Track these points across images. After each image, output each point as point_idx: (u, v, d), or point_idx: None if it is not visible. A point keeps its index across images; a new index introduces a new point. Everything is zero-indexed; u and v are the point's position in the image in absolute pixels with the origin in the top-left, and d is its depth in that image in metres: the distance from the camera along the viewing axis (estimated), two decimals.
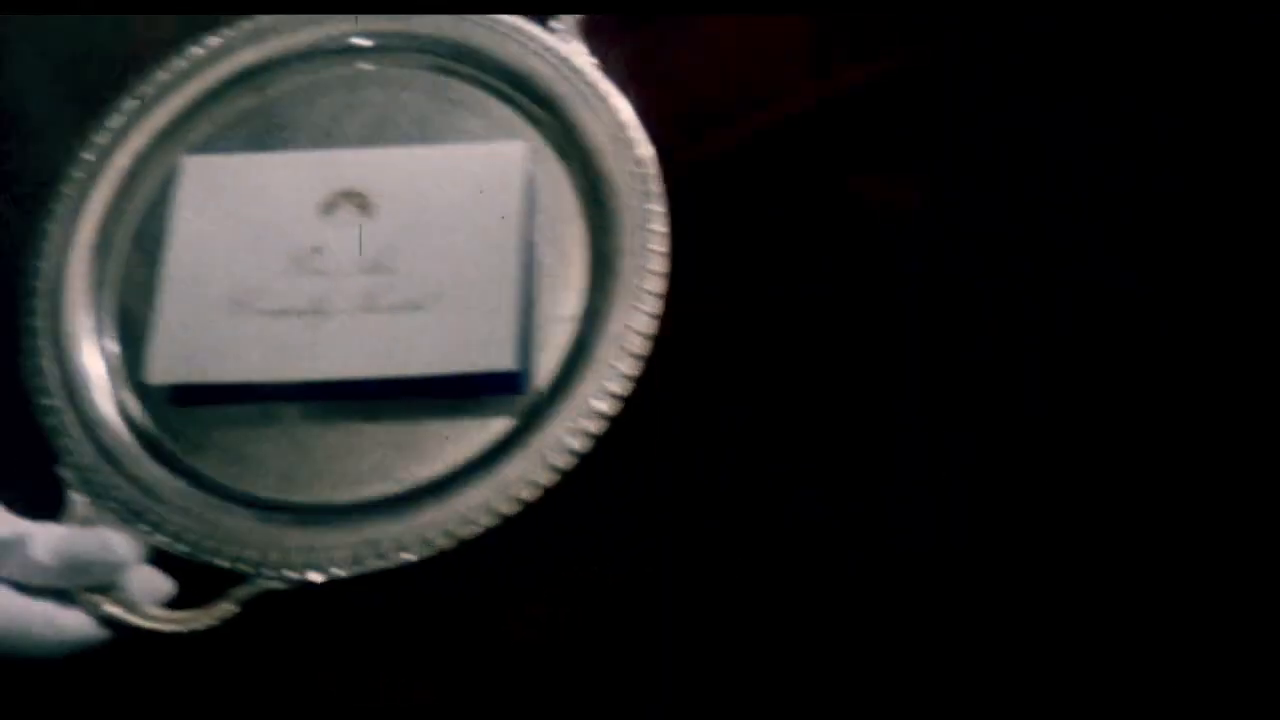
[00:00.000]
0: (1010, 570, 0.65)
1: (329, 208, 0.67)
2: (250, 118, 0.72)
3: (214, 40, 0.72)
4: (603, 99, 0.69)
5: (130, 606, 0.59)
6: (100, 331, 0.67)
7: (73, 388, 0.65)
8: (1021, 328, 0.68)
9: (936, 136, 0.75)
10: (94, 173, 0.70)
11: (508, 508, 0.61)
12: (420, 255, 0.66)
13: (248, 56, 0.72)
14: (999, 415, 0.68)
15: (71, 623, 0.58)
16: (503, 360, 0.64)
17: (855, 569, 0.65)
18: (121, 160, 0.70)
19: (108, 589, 0.59)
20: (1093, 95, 0.74)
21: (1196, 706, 0.62)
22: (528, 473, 0.61)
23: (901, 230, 0.73)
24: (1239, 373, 0.67)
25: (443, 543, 0.60)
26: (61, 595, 0.58)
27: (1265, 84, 0.73)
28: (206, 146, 0.71)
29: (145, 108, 0.71)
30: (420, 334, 0.64)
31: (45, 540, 0.58)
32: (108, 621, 0.58)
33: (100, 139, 0.70)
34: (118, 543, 0.60)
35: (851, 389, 0.68)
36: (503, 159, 0.68)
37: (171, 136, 0.71)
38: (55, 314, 0.67)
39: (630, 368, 0.63)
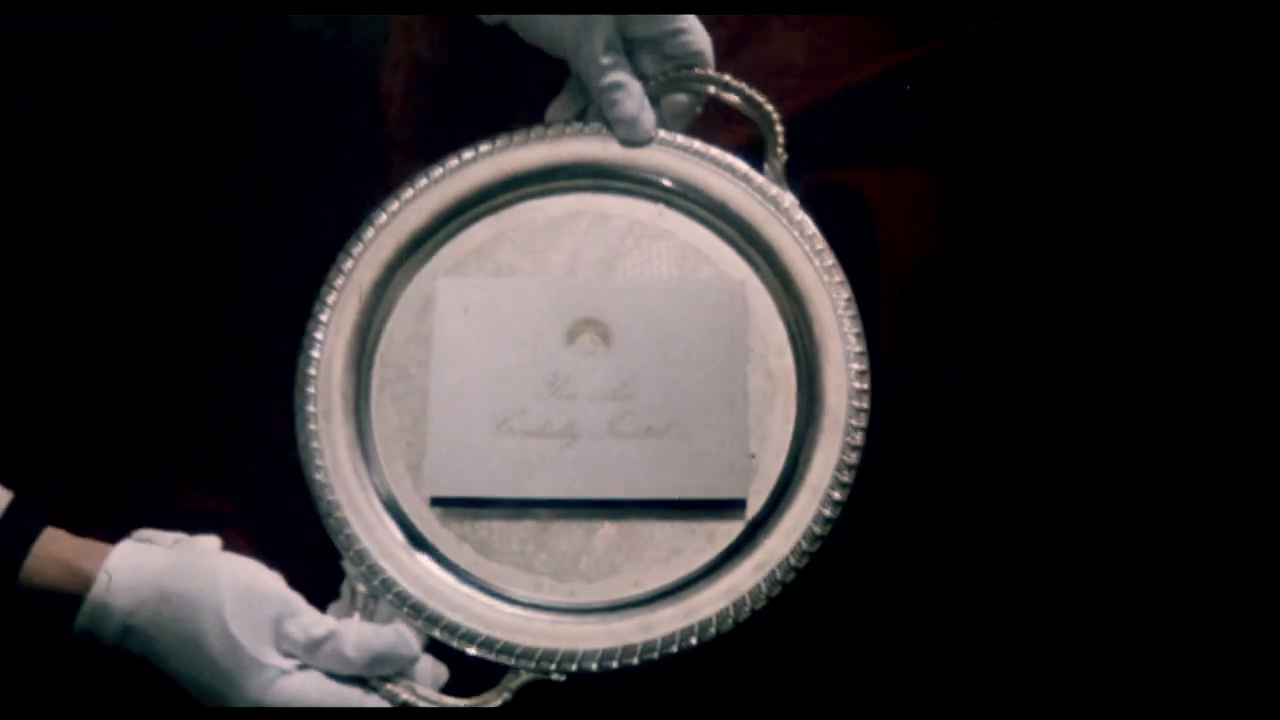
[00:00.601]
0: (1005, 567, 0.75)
1: (573, 335, 0.78)
2: (487, 235, 0.81)
3: (452, 161, 0.82)
4: (810, 240, 0.79)
5: (417, 693, 0.70)
6: (362, 438, 0.77)
7: (349, 490, 0.75)
8: (1017, 319, 0.76)
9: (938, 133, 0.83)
10: (348, 281, 0.79)
11: (741, 617, 0.72)
12: (656, 385, 0.77)
13: (485, 173, 0.81)
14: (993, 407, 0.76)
15: (374, 707, 0.69)
16: (736, 490, 0.75)
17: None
18: (369, 271, 0.80)
19: (398, 677, 0.71)
20: (1089, 95, 0.81)
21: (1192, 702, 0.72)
22: (759, 586, 0.73)
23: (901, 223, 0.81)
24: (1234, 367, 0.73)
25: (686, 646, 0.72)
26: (360, 682, 0.70)
27: (1264, 84, 0.79)
28: (445, 257, 0.81)
29: (390, 221, 0.80)
30: (660, 460, 0.75)
31: (353, 637, 0.70)
32: (403, 707, 0.70)
33: (354, 249, 0.80)
34: (412, 637, 0.71)
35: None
36: (725, 296, 0.78)
37: (415, 251, 0.81)
38: (328, 418, 0.77)
39: (842, 495, 0.74)
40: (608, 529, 0.75)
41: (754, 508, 0.75)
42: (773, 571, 0.73)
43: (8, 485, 0.70)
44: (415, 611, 0.72)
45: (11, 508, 0.69)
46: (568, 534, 0.75)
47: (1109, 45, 0.81)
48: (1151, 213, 0.73)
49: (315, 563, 0.74)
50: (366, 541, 0.74)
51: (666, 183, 0.81)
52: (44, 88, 0.82)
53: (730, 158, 0.81)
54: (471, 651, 0.72)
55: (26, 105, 0.81)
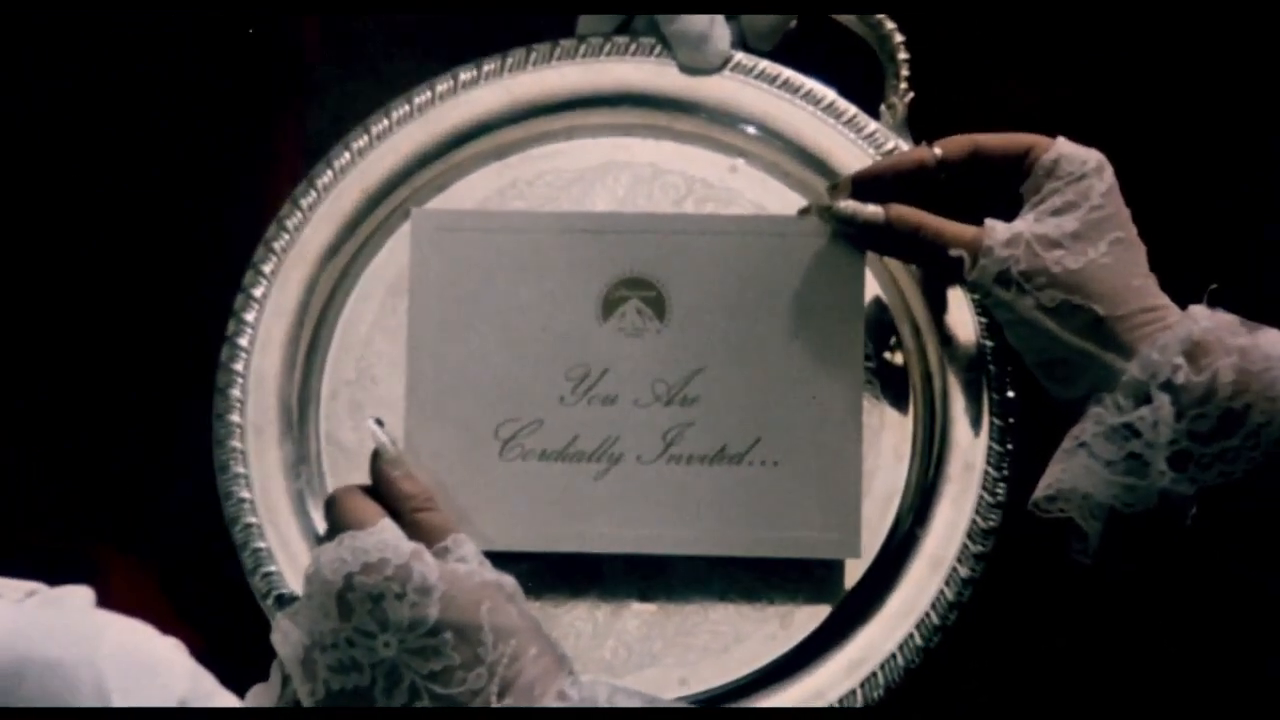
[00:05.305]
0: None
1: (610, 303, 0.77)
2: (490, 187, 0.82)
3: (444, 82, 0.82)
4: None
5: None
6: (305, 463, 0.79)
7: (283, 532, 0.78)
8: None
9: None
10: (293, 245, 0.81)
11: None
12: (730, 382, 0.76)
13: (489, 101, 0.83)
14: None
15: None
16: (842, 547, 0.76)
17: None
18: (322, 231, 0.81)
19: None
20: (1089, 94, 0.91)
21: None
22: (853, 694, 0.75)
23: None
24: None
25: None
26: None
27: (1264, 84, 0.90)
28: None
29: (355, 162, 0.82)
30: (736, 499, 0.75)
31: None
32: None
33: (304, 199, 0.81)
34: None
35: None
36: (836, 253, 0.77)
37: (385, 202, 0.82)
38: (259, 434, 0.79)
39: (974, 571, 0.76)
40: (645, 602, 0.77)
41: (850, 580, 0.77)
42: (873, 675, 0.75)
43: None
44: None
45: None
46: (590, 605, 0.77)
47: (1109, 45, 0.91)
48: (1151, 213, 0.81)
49: (233, 629, 0.77)
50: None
51: (745, 128, 0.83)
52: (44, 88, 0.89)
53: (832, 95, 0.84)
54: None
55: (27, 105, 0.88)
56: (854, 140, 0.83)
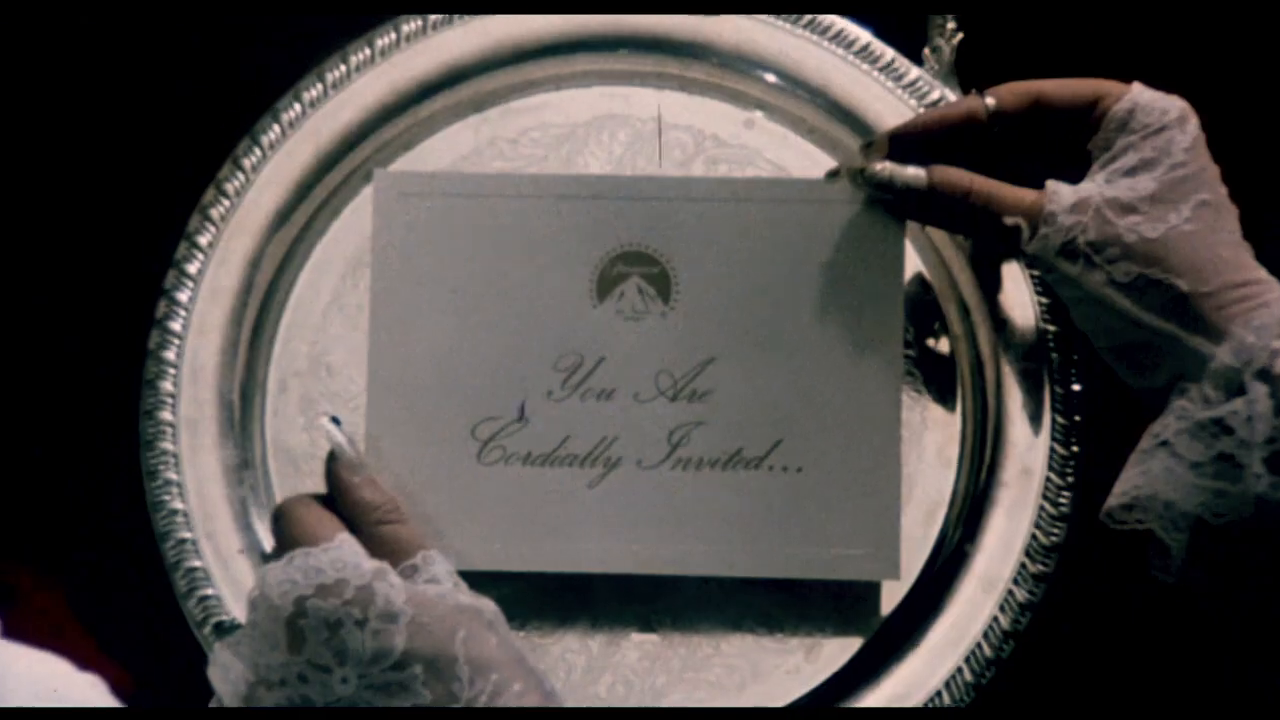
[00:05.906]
0: None
1: (607, 281, 0.74)
2: (466, 145, 0.79)
3: (411, 22, 0.79)
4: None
5: None
6: (249, 468, 0.77)
7: (222, 550, 0.75)
8: None
9: None
10: (234, 212, 0.78)
11: None
12: (746, 374, 0.73)
13: (464, 44, 0.80)
14: None
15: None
16: (879, 567, 0.73)
17: None
18: (269, 196, 0.78)
19: None
20: None
21: None
22: None
23: None
24: None
25: None
26: None
27: (1264, 83, 0.90)
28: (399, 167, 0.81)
29: (308, 115, 0.79)
30: (754, 511, 0.73)
31: None
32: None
33: (246, 159, 0.78)
34: None
35: None
36: (870, 223, 0.75)
37: (342, 162, 0.79)
38: (194, 431, 0.76)
39: (1033, 594, 0.72)
40: (646, 631, 0.75)
41: (888, 604, 0.75)
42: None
43: None
44: None
45: None
46: (583, 634, 0.74)
47: (1108, 44, 0.90)
48: (1243, 171, 0.79)
49: (163, 663, 0.77)
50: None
51: (764, 75, 0.81)
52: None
53: (867, 37, 0.81)
54: None
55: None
56: (892, 90, 0.80)
